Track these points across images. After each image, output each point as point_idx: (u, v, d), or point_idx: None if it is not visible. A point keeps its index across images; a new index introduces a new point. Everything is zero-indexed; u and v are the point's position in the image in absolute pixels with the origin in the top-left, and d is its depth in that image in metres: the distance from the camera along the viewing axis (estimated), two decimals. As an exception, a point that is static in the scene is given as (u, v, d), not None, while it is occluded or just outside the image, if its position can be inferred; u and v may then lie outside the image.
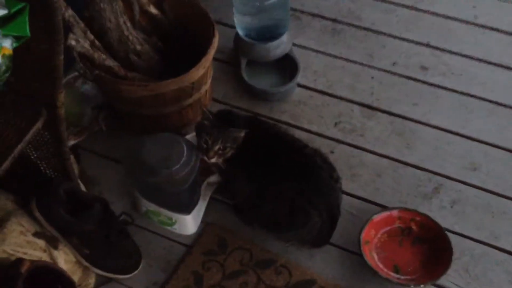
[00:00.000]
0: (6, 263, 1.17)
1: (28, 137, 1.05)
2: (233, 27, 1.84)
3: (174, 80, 1.51)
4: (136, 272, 1.45)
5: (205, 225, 1.54)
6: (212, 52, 1.57)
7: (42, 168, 1.31)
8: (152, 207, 1.50)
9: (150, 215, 1.53)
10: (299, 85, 1.83)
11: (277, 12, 1.73)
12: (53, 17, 0.95)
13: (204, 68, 1.56)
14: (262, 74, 1.83)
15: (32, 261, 1.15)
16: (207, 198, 1.55)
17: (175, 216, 1.49)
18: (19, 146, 1.01)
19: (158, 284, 1.45)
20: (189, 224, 1.51)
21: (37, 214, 1.32)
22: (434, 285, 1.41)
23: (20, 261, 1.14)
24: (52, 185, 1.32)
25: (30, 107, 1.06)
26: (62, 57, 1.03)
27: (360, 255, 1.42)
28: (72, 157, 1.37)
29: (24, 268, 1.12)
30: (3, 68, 0.90)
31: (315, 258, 1.48)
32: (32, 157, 1.23)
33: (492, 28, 1.95)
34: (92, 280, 1.41)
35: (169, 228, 1.53)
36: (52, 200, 1.31)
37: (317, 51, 1.93)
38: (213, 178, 1.55)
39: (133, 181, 1.52)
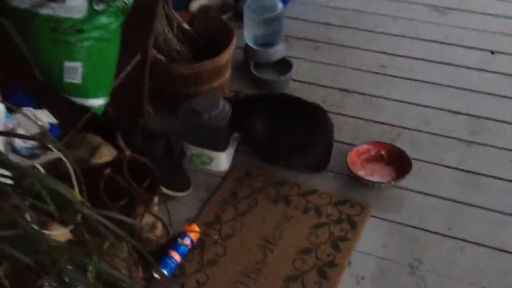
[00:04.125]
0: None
1: (130, 65, 1.57)
2: (240, 47, 2.41)
3: (208, 62, 2.08)
4: (188, 191, 1.92)
5: (234, 163, 2.03)
6: (233, 44, 2.15)
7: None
8: (196, 150, 2.00)
9: (194, 158, 2.02)
10: (293, 80, 2.40)
11: (275, 24, 2.34)
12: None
13: (228, 55, 2.13)
14: (265, 71, 2.40)
15: (129, 154, 1.63)
16: (234, 146, 2.06)
17: (213, 154, 1.98)
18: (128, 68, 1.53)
19: (204, 200, 1.92)
20: (223, 161, 2.00)
21: (121, 142, 1.81)
22: (397, 186, 1.91)
23: (122, 153, 1.62)
24: (131, 122, 1.83)
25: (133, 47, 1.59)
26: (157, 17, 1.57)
27: (348, 175, 1.93)
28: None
29: (126, 157, 1.60)
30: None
31: (316, 179, 1.97)
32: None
33: (425, 39, 2.60)
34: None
35: (208, 167, 2.01)
36: (132, 132, 1.81)
37: (303, 59, 2.52)
38: (236, 134, 2.06)
39: (183, 132, 2.01)
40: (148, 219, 1.71)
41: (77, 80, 1.41)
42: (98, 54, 1.42)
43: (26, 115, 1.26)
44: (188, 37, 2.31)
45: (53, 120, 1.37)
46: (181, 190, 1.91)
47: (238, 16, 2.57)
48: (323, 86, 2.38)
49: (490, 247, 1.73)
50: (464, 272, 1.67)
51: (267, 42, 2.39)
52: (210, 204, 1.89)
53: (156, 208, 1.75)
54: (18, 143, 1.23)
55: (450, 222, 1.81)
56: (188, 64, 2.09)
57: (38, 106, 1.37)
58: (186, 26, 2.30)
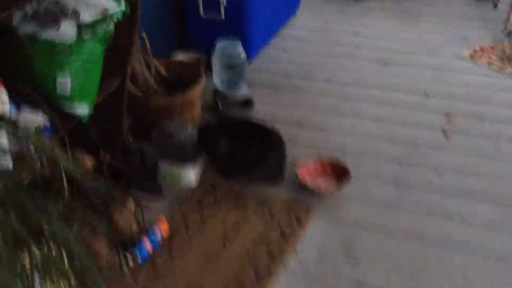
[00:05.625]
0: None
1: (111, 87, 1.91)
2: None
3: (180, 96, 2.43)
4: (161, 201, 2.20)
5: (201, 179, 2.33)
6: (202, 82, 2.51)
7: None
8: (168, 169, 2.30)
9: (167, 177, 2.32)
10: (256, 117, 2.75)
11: (238, 70, 2.72)
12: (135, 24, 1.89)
13: (197, 92, 2.49)
14: (231, 111, 2.76)
15: (109, 160, 1.94)
16: (202, 166, 2.37)
17: (183, 170, 2.29)
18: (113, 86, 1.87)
19: (174, 207, 2.20)
20: (192, 176, 2.30)
21: (102, 152, 2.12)
22: (339, 193, 2.21)
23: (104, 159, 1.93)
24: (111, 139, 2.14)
25: (114, 73, 1.94)
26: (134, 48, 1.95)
27: (298, 186, 2.23)
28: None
29: (106, 161, 1.91)
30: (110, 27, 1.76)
31: (272, 190, 2.26)
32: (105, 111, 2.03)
33: (370, 86, 2.99)
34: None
35: (178, 183, 2.31)
36: (111, 147, 2.13)
37: (265, 102, 2.88)
38: (203, 155, 2.38)
39: (157, 150, 2.32)
40: (125, 215, 1.98)
41: (67, 92, 1.74)
42: (84, 72, 1.77)
43: (27, 113, 1.58)
44: (164, 80, 2.67)
45: (47, 122, 1.68)
46: (155, 199, 2.20)
47: (210, 68, 2.96)
48: (280, 121, 2.73)
49: (414, 238, 2.01)
50: (390, 258, 1.94)
51: (233, 85, 2.76)
52: (179, 210, 2.17)
53: (132, 208, 2.03)
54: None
55: (380, 219, 2.10)
56: (162, 97, 2.44)
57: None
58: (162, 71, 2.67)
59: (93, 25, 1.73)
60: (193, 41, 3.19)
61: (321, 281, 1.86)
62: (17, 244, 1.27)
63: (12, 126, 1.28)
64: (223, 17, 3.00)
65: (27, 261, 1.49)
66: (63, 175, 1.45)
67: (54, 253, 1.35)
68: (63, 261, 1.36)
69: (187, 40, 3.21)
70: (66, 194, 1.44)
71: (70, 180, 1.54)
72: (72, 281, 1.43)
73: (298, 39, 3.56)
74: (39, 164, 1.35)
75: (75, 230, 1.35)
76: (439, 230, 2.03)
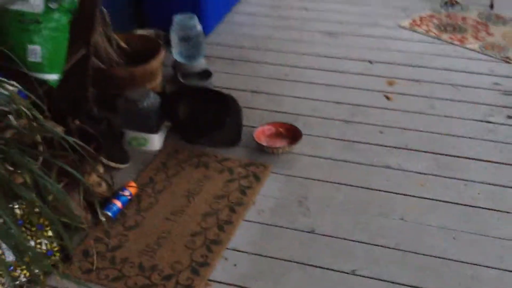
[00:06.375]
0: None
1: (77, 56, 2.02)
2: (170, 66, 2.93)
3: (141, 66, 2.55)
4: (128, 164, 2.34)
5: (165, 145, 2.48)
6: (161, 53, 2.64)
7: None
8: (133, 134, 2.44)
9: (132, 141, 2.46)
10: (213, 86, 2.90)
11: (194, 41, 2.86)
12: None
13: (157, 62, 2.61)
14: (190, 81, 2.89)
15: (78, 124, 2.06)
16: (165, 132, 2.51)
17: (148, 136, 2.43)
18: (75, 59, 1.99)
19: (140, 170, 2.34)
20: (156, 141, 2.44)
21: (70, 118, 2.23)
22: (292, 152, 2.40)
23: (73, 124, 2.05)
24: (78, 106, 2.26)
25: (79, 42, 2.06)
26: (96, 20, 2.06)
27: (254, 148, 2.41)
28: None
29: (76, 125, 2.03)
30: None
31: (230, 151, 2.43)
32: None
33: (320, 55, 3.18)
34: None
35: (143, 147, 2.45)
36: (78, 114, 2.24)
37: (222, 72, 3.03)
38: (167, 123, 2.52)
39: (122, 118, 2.45)
40: (94, 178, 2.12)
41: (37, 59, 1.85)
42: (52, 40, 1.88)
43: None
44: (124, 53, 2.78)
45: (21, 88, 1.79)
46: (122, 163, 2.34)
47: (168, 43, 3.08)
48: (237, 89, 2.88)
49: (359, 187, 2.23)
50: (338, 204, 2.15)
51: (190, 56, 2.90)
52: (145, 172, 2.32)
53: (101, 171, 2.16)
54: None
55: (330, 173, 2.30)
56: (124, 68, 2.56)
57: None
58: (123, 44, 2.78)
59: (59, -4, 1.84)
60: (151, 17, 3.29)
61: (277, 229, 2.04)
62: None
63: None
64: (178, -7, 3.12)
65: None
66: (40, 133, 1.58)
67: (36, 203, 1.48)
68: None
69: (145, 17, 3.31)
70: (42, 149, 1.56)
71: (46, 139, 1.67)
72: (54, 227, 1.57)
73: (251, 14, 3.70)
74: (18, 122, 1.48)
75: (54, 178, 1.48)
76: (381, 179, 2.25)
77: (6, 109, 1.61)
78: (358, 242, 1.97)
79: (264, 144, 2.42)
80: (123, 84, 2.57)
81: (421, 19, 3.56)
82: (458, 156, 2.38)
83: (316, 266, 1.88)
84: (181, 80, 2.85)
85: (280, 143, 2.45)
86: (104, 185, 2.15)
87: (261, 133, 2.49)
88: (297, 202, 2.16)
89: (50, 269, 1.69)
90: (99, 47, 2.58)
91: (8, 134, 1.52)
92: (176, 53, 2.91)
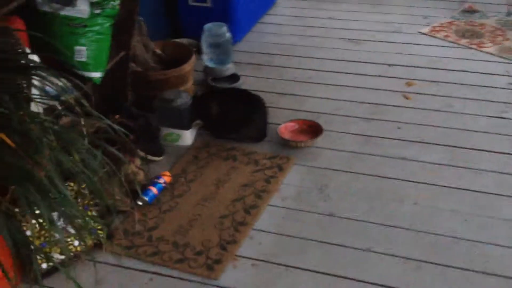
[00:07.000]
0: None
1: (117, 57, 2.25)
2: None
3: (175, 69, 2.77)
4: (163, 157, 2.54)
5: (196, 140, 2.67)
6: (193, 59, 2.85)
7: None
8: (168, 130, 2.64)
9: (166, 137, 2.66)
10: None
11: (224, 48, 3.06)
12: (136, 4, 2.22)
13: (189, 66, 2.82)
14: (220, 84, 3.09)
15: (118, 118, 2.27)
16: (196, 129, 2.70)
17: (180, 132, 2.63)
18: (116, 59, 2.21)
19: (174, 162, 2.53)
20: (188, 137, 2.64)
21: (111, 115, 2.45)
22: (314, 146, 2.56)
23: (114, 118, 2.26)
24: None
25: (120, 45, 2.28)
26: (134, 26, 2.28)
27: (279, 143, 2.58)
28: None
29: (116, 119, 2.24)
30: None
31: (257, 146, 2.61)
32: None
33: (343, 60, 3.34)
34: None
35: (176, 143, 2.65)
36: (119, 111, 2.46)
37: (250, 76, 3.23)
38: (198, 121, 2.71)
39: (158, 117, 2.65)
40: (132, 167, 2.32)
41: (83, 58, 2.08)
42: (96, 42, 2.10)
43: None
44: (160, 59, 3.01)
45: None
46: (157, 156, 2.54)
47: (201, 51, 3.28)
48: (264, 91, 3.06)
49: (376, 176, 2.37)
50: (356, 192, 2.29)
51: (220, 63, 3.10)
52: (178, 163, 2.51)
53: (139, 162, 2.36)
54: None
55: (349, 164, 2.45)
56: (160, 72, 2.78)
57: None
58: (158, 50, 3.01)
59: (102, 2, 2.06)
60: (184, 27, 3.52)
61: (299, 212, 2.20)
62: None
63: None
64: (209, 4, 3.34)
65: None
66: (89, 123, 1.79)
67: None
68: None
69: (178, 27, 3.55)
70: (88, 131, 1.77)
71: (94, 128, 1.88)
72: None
73: (278, 24, 3.90)
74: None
75: (99, 158, 1.68)
76: (396, 169, 2.39)
77: (62, 98, 1.83)
78: (374, 223, 2.11)
79: (288, 138, 2.59)
80: (158, 86, 2.78)
81: (441, 26, 3.69)
82: (471, 148, 2.50)
83: (333, 244, 2.03)
84: (211, 83, 3.05)
85: (303, 138, 2.61)
86: (141, 174, 2.35)
87: (285, 129, 2.66)
88: (318, 189, 2.31)
89: (105, 241, 1.90)
90: (137, 53, 2.81)
91: (63, 121, 1.73)
92: (206, 59, 3.12)
